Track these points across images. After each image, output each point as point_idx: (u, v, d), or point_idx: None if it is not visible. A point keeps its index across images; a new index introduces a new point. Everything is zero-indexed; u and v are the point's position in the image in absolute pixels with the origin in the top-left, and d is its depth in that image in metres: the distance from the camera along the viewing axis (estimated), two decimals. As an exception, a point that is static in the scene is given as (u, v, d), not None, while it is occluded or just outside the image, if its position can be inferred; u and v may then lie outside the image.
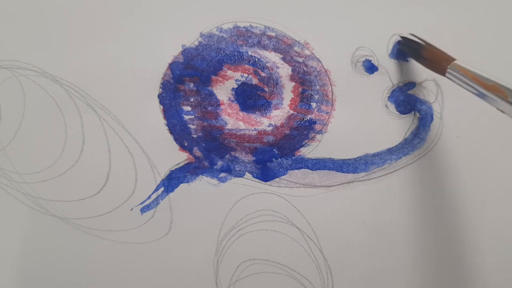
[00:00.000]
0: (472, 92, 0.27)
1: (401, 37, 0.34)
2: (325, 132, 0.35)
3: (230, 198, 0.34)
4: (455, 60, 0.29)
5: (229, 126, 0.34)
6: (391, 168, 0.35)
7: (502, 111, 0.25)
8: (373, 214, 0.35)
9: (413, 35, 0.34)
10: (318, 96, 0.35)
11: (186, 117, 0.34)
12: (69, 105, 0.33)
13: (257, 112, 0.34)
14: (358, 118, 0.35)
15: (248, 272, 0.35)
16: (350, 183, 0.35)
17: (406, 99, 0.35)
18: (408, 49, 0.34)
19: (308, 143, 0.35)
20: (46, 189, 0.33)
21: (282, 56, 0.34)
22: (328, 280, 0.35)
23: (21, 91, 0.33)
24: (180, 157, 0.34)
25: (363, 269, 0.35)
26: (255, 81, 0.34)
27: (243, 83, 0.34)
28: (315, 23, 0.34)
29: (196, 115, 0.34)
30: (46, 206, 0.34)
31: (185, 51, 0.34)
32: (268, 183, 0.35)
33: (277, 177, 0.35)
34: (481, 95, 0.27)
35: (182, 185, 0.34)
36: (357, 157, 0.35)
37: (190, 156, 0.34)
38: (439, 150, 0.35)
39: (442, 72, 0.30)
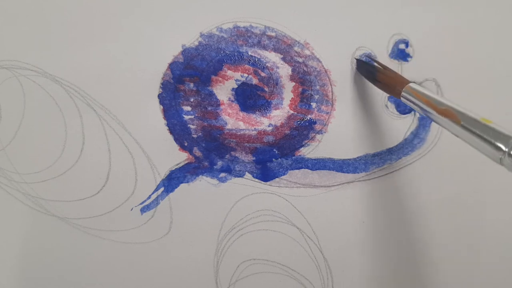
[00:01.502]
0: (428, 116, 0.27)
1: (356, 60, 0.34)
2: (325, 132, 0.35)
3: (230, 198, 0.34)
4: (409, 83, 0.29)
5: (229, 126, 0.34)
6: (391, 168, 0.35)
7: (456, 135, 0.25)
8: (373, 214, 0.35)
9: (369, 57, 0.34)
10: (318, 96, 0.35)
11: (186, 117, 0.34)
12: (69, 105, 0.33)
13: (257, 112, 0.34)
14: (358, 118, 0.35)
15: (248, 272, 0.35)
16: (350, 183, 0.35)
17: (406, 99, 0.35)
18: (364, 72, 0.34)
19: (308, 143, 0.35)
20: (46, 189, 0.33)
21: (282, 56, 0.34)
22: (328, 280, 0.35)
23: (21, 91, 0.33)
24: (180, 157, 0.34)
25: (363, 269, 0.35)
26: (255, 81, 0.34)
27: (243, 83, 0.34)
28: (315, 23, 0.34)
29: (196, 115, 0.34)
30: (46, 206, 0.34)
31: (185, 51, 0.34)
32: (268, 183, 0.35)
33: (277, 177, 0.35)
34: (435, 119, 0.26)
35: (182, 185, 0.34)
36: (357, 157, 0.35)
37: (190, 156, 0.34)
38: (439, 150, 0.35)
39: (397, 95, 0.29)
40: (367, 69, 0.33)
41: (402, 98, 0.29)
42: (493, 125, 0.23)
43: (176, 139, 0.34)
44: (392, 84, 0.30)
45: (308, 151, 0.35)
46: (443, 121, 0.25)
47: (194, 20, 0.34)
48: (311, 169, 0.35)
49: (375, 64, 0.33)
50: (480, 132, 0.23)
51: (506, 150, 0.22)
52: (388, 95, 0.35)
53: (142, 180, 0.34)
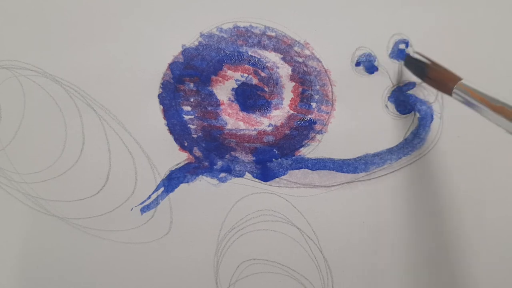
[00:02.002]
0: (480, 113, 0.27)
1: (406, 56, 0.34)
2: (325, 132, 0.35)
3: (230, 198, 0.34)
4: (461, 79, 0.28)
5: (229, 126, 0.34)
6: (391, 168, 0.35)
7: (510, 132, 0.25)
8: (373, 214, 0.35)
9: (418, 53, 0.34)
10: (318, 96, 0.35)
11: (186, 117, 0.34)
12: (69, 105, 0.33)
13: (257, 112, 0.34)
14: (358, 118, 0.35)
15: (248, 272, 0.35)
16: (350, 183, 0.35)
17: (406, 99, 0.35)
18: (413, 69, 0.34)
19: (308, 143, 0.35)
20: (46, 189, 0.33)
21: (282, 56, 0.34)
22: (328, 280, 0.35)
23: (21, 91, 0.33)
24: (180, 157, 0.34)
25: (363, 269, 0.35)
26: (255, 81, 0.34)
27: (243, 83, 0.34)
28: (315, 23, 0.34)
29: (196, 115, 0.34)
30: (46, 206, 0.34)
31: (185, 51, 0.34)
32: (268, 183, 0.35)
33: (277, 177, 0.35)
34: (488, 116, 0.26)
35: (182, 185, 0.34)
36: (357, 157, 0.35)
37: (190, 156, 0.34)
38: (439, 150, 0.35)
39: (448, 92, 0.29)
40: (417, 65, 0.33)
41: (453, 95, 0.28)
42: None
43: (176, 139, 0.34)
44: (443, 81, 0.30)
45: (308, 151, 0.35)
46: (497, 118, 0.25)
47: (194, 20, 0.34)
48: (311, 169, 0.35)
49: (425, 60, 0.32)
50: None
51: None
52: (388, 95, 0.35)
53: (142, 180, 0.34)
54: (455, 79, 0.29)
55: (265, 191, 0.35)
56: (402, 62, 0.34)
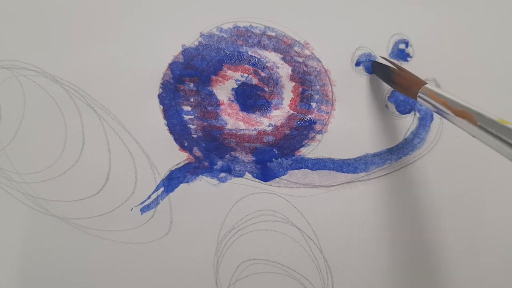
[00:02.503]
0: (444, 117, 0.27)
1: (372, 62, 0.34)
2: (325, 132, 0.35)
3: (230, 198, 0.34)
4: (426, 84, 0.29)
5: (229, 126, 0.34)
6: (391, 168, 0.35)
7: (473, 136, 0.24)
8: (373, 214, 0.35)
9: (384, 58, 0.34)
10: (318, 96, 0.35)
11: (186, 117, 0.34)
12: (69, 105, 0.33)
13: (257, 112, 0.34)
14: (358, 118, 0.35)
15: (248, 272, 0.35)
16: (350, 183, 0.35)
17: (406, 99, 0.35)
18: (379, 74, 0.34)
19: (308, 143, 0.35)
20: (46, 189, 0.33)
21: (282, 56, 0.34)
22: (328, 280, 0.35)
23: (21, 91, 0.33)
24: (180, 157, 0.34)
25: (363, 269, 0.35)
26: (255, 81, 0.34)
27: (243, 83, 0.34)
28: (315, 23, 0.34)
29: (196, 115, 0.34)
30: (46, 206, 0.34)
31: (185, 51, 0.34)
32: (268, 183, 0.35)
33: (277, 177, 0.35)
34: (452, 120, 0.26)
35: (182, 185, 0.34)
36: (357, 157, 0.35)
37: (190, 156, 0.34)
38: (439, 150, 0.35)
39: (414, 96, 0.29)
40: (383, 71, 0.33)
41: (418, 99, 0.29)
42: (511, 125, 0.23)
43: (176, 139, 0.34)
44: (408, 86, 0.30)
45: (308, 151, 0.35)
46: (460, 122, 0.25)
47: (194, 20, 0.34)
48: (311, 169, 0.35)
49: (391, 65, 0.33)
50: (497, 133, 0.23)
51: None
52: (388, 95, 0.35)
53: (142, 180, 0.34)
54: (420, 83, 0.29)
55: (265, 191, 0.35)
56: (371, 67, 0.35)
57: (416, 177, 0.35)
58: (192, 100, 0.34)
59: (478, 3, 0.35)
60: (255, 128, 0.34)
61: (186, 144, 0.34)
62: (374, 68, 0.34)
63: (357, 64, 0.34)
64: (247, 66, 0.34)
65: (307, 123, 0.35)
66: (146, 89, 0.33)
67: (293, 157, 0.35)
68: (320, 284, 0.35)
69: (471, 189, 0.35)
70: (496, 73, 0.35)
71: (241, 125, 0.34)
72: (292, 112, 0.35)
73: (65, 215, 0.34)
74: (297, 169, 0.35)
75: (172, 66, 0.34)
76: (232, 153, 0.34)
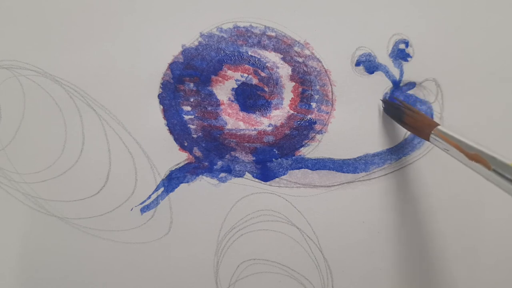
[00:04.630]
0: (457, 159, 0.26)
1: (383, 101, 0.34)
2: (325, 132, 0.35)
3: (230, 198, 0.34)
4: (438, 125, 0.28)
5: (229, 126, 0.34)
6: (391, 168, 0.35)
7: (487, 179, 0.24)
8: (373, 214, 0.35)
9: (396, 98, 0.34)
10: (318, 96, 0.35)
11: (186, 117, 0.34)
12: (69, 105, 0.33)
13: (257, 112, 0.34)
14: (358, 118, 0.35)
15: (248, 272, 0.35)
16: (350, 183, 0.35)
17: (406, 99, 0.35)
18: (390, 113, 0.34)
19: (308, 143, 0.35)
20: (46, 189, 0.33)
21: (282, 56, 0.34)
22: (328, 280, 0.35)
23: (21, 91, 0.33)
24: (180, 157, 0.34)
25: (363, 269, 0.35)
26: (255, 81, 0.34)
27: (243, 83, 0.34)
28: (315, 23, 0.34)
29: (196, 115, 0.34)
30: (46, 206, 0.34)
31: (185, 51, 0.34)
32: (268, 183, 0.35)
33: (277, 177, 0.35)
34: (465, 163, 0.26)
35: (182, 185, 0.34)
36: (357, 157, 0.35)
37: (190, 156, 0.34)
38: (439, 150, 0.35)
39: (426, 138, 0.29)
40: (393, 110, 0.33)
41: (431, 140, 0.29)
42: None
43: (176, 139, 0.34)
44: (420, 127, 0.30)
45: (308, 151, 0.35)
46: (473, 165, 0.25)
47: (194, 20, 0.34)
48: (311, 169, 0.35)
49: (402, 107, 0.32)
50: (511, 176, 0.22)
51: None
52: (388, 94, 0.35)
53: (142, 180, 0.34)
54: (432, 124, 0.29)
55: (265, 191, 0.35)
56: (382, 106, 0.35)
57: (416, 177, 0.35)
58: (192, 100, 0.34)
59: (478, 3, 0.35)
60: (255, 128, 0.34)
61: (186, 144, 0.34)
62: (385, 107, 0.34)
63: (357, 64, 0.34)
64: (247, 66, 0.34)
65: (307, 123, 0.35)
66: (146, 89, 0.33)
67: (293, 157, 0.35)
68: (320, 284, 0.35)
69: (470, 189, 0.35)
70: (496, 73, 0.35)
71: (241, 125, 0.34)
72: (292, 112, 0.35)
73: (65, 215, 0.34)
74: (297, 169, 0.35)
75: (172, 66, 0.34)
76: (232, 153, 0.34)
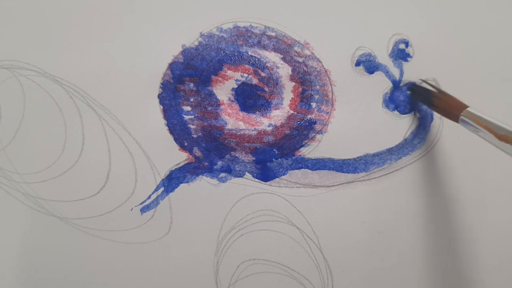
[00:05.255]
0: (487, 140, 0.27)
1: (410, 86, 0.35)
2: (325, 132, 0.35)
3: (230, 198, 0.34)
4: (467, 107, 0.29)
5: (229, 126, 0.34)
6: (391, 168, 0.35)
7: None
8: (373, 214, 0.35)
9: (424, 81, 0.34)
10: (318, 96, 0.35)
11: (186, 117, 0.34)
12: (69, 105, 0.33)
13: (257, 112, 0.34)
14: (358, 118, 0.35)
15: (248, 272, 0.35)
16: (350, 183, 0.35)
17: (406, 99, 0.35)
18: (419, 97, 0.34)
19: (308, 143, 0.35)
20: (46, 189, 0.33)
21: (282, 56, 0.34)
22: (328, 280, 0.35)
23: (21, 91, 0.33)
24: (180, 157, 0.34)
25: (363, 269, 0.35)
26: (255, 81, 0.34)
27: (243, 83, 0.34)
28: (315, 23, 0.34)
29: (196, 115, 0.34)
30: (46, 206, 0.34)
31: (185, 51, 0.34)
32: (268, 183, 0.35)
33: (277, 177, 0.35)
34: (493, 142, 0.26)
35: (182, 185, 0.34)
36: (357, 157, 0.35)
37: (190, 156, 0.34)
38: (439, 150, 0.35)
39: (456, 119, 0.30)
40: (423, 94, 0.33)
41: (460, 122, 0.29)
42: None
43: (176, 139, 0.34)
44: (450, 109, 0.30)
45: (308, 151, 0.35)
46: (503, 145, 0.26)
47: (194, 20, 0.34)
48: (311, 169, 0.35)
49: (431, 89, 0.33)
50: None
51: None
52: (388, 94, 0.35)
53: (142, 180, 0.34)
54: (461, 106, 0.29)
55: (265, 191, 0.35)
56: (409, 92, 0.35)
57: (416, 177, 0.35)
58: (192, 100, 0.34)
59: (478, 3, 0.35)
60: (255, 128, 0.34)
61: (186, 144, 0.34)
62: (413, 91, 0.34)
63: (357, 64, 0.34)
64: (247, 66, 0.34)
65: (307, 123, 0.35)
66: (146, 89, 0.33)
67: (293, 157, 0.35)
68: (320, 284, 0.35)
69: (471, 189, 0.35)
70: (496, 73, 0.35)
71: (241, 125, 0.34)
72: (292, 112, 0.35)
73: (65, 215, 0.34)
74: (297, 169, 0.35)
75: (172, 66, 0.34)
76: (232, 153, 0.34)
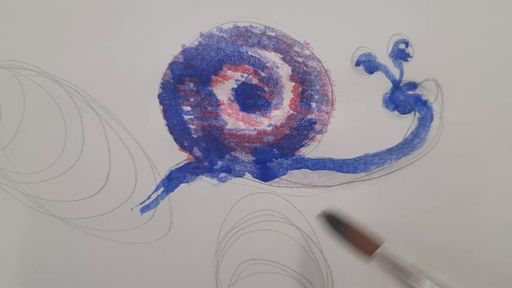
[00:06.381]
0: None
1: (323, 214, 0.33)
2: (325, 132, 0.35)
3: (230, 198, 0.34)
4: (379, 246, 0.28)
5: (229, 126, 0.34)
6: (391, 168, 0.35)
7: None
8: (373, 214, 0.35)
9: (333, 215, 0.33)
10: (318, 96, 0.35)
11: (186, 117, 0.34)
12: (69, 105, 0.33)
13: (257, 112, 0.34)
14: (358, 118, 0.35)
15: (248, 272, 0.35)
16: (350, 183, 0.35)
17: (406, 99, 0.35)
18: (330, 230, 0.32)
19: (308, 143, 0.35)
20: (46, 189, 0.33)
21: (282, 56, 0.34)
22: (328, 280, 0.35)
23: (21, 91, 0.33)
24: (180, 157, 0.34)
25: (363, 269, 0.35)
26: (255, 81, 0.34)
27: (243, 83, 0.34)
28: (315, 23, 0.34)
29: (196, 115, 0.34)
30: (46, 206, 0.34)
31: (185, 51, 0.34)
32: (268, 183, 0.35)
33: (277, 177, 0.35)
34: None
35: (182, 185, 0.34)
36: (357, 157, 0.35)
37: (190, 156, 0.34)
38: (439, 150, 0.35)
39: (367, 261, 0.29)
40: (333, 228, 0.32)
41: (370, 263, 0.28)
42: None
43: (176, 139, 0.34)
44: (361, 248, 0.30)
45: (308, 151, 0.35)
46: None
47: (194, 20, 0.34)
48: (311, 169, 0.35)
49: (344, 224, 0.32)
50: None
51: None
52: (388, 94, 0.35)
53: (142, 180, 0.34)
54: (372, 247, 0.29)
55: (265, 191, 0.35)
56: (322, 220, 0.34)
57: (416, 177, 0.35)
58: (192, 100, 0.34)
59: (478, 3, 0.35)
60: (255, 128, 0.34)
61: (186, 144, 0.34)
62: (325, 222, 0.33)
63: (357, 64, 0.34)
64: (247, 66, 0.34)
65: (307, 123, 0.35)
66: (146, 89, 0.33)
67: (293, 157, 0.35)
68: (320, 284, 0.35)
69: (471, 189, 0.35)
70: (496, 73, 0.35)
71: (241, 125, 0.34)
72: (292, 112, 0.35)
73: (65, 215, 0.34)
74: (297, 169, 0.35)
75: (172, 66, 0.34)
76: (232, 153, 0.34)
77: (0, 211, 0.34)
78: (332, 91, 0.35)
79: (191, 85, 0.34)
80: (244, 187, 0.34)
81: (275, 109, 0.34)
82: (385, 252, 0.28)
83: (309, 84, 0.34)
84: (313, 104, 0.35)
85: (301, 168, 0.35)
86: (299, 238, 0.35)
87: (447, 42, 0.35)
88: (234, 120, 0.34)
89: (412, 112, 0.35)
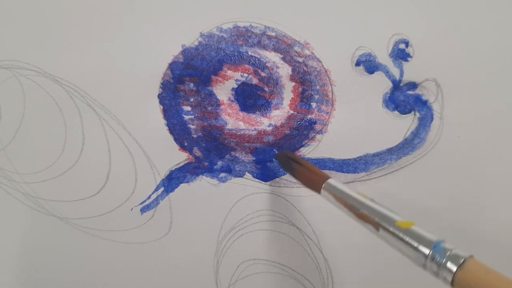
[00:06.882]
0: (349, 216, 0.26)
1: (276, 155, 0.34)
2: (325, 132, 0.35)
3: (230, 198, 0.34)
4: (328, 179, 0.28)
5: (229, 126, 0.34)
6: (391, 168, 0.35)
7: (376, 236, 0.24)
8: (373, 214, 0.35)
9: (288, 153, 0.34)
10: (318, 96, 0.35)
11: (186, 117, 0.34)
12: (69, 105, 0.33)
13: (257, 112, 0.34)
14: (358, 118, 0.35)
15: (248, 272, 0.35)
16: (350, 183, 0.35)
17: (406, 99, 0.35)
18: (283, 166, 0.34)
19: (308, 143, 0.35)
20: (46, 189, 0.33)
21: (282, 56, 0.34)
22: (328, 280, 0.35)
23: (21, 91, 0.33)
24: (180, 157, 0.34)
25: (363, 269, 0.35)
26: (255, 81, 0.34)
27: (243, 83, 0.34)
28: (315, 23, 0.34)
29: (196, 115, 0.34)
30: (46, 206, 0.34)
31: (185, 51, 0.34)
32: (268, 183, 0.35)
33: (277, 177, 0.35)
34: (355, 220, 0.25)
35: (182, 185, 0.34)
36: (357, 157, 0.35)
37: (190, 156, 0.34)
38: (439, 150, 0.35)
39: (318, 191, 0.29)
40: (285, 164, 0.33)
41: (322, 195, 0.28)
42: (414, 228, 0.23)
43: (176, 139, 0.34)
44: (310, 183, 0.30)
45: (308, 151, 0.35)
46: (362, 225, 0.25)
47: (194, 20, 0.34)
48: (311, 169, 0.35)
49: (292, 160, 0.32)
50: (401, 235, 0.23)
51: (428, 253, 0.21)
52: (388, 94, 0.35)
53: (142, 180, 0.34)
54: (321, 180, 0.28)
55: (265, 191, 0.35)
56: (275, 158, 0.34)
57: (416, 177, 0.35)
58: (192, 100, 0.34)
59: (478, 3, 0.35)
60: (255, 128, 0.34)
61: (186, 144, 0.34)
62: (277, 159, 0.34)
63: (357, 64, 0.34)
64: (247, 66, 0.34)
65: (307, 123, 0.35)
66: (146, 89, 0.33)
67: (293, 157, 0.35)
68: (320, 284, 0.35)
69: (471, 189, 0.35)
70: (496, 73, 0.35)
71: (241, 125, 0.34)
72: (292, 112, 0.35)
73: (65, 215, 0.34)
74: (297, 169, 0.35)
75: (172, 66, 0.34)
76: (232, 153, 0.34)
77: (0, 211, 0.34)
78: (332, 91, 0.35)
79: (191, 85, 0.34)
80: (244, 187, 0.34)
81: (275, 109, 0.34)
82: (332, 183, 0.28)
83: (309, 84, 0.34)
84: (313, 104, 0.35)
85: (301, 168, 0.35)
86: (299, 238, 0.35)
87: (447, 42, 0.35)
88: (234, 120, 0.34)
89: (412, 112, 0.35)
